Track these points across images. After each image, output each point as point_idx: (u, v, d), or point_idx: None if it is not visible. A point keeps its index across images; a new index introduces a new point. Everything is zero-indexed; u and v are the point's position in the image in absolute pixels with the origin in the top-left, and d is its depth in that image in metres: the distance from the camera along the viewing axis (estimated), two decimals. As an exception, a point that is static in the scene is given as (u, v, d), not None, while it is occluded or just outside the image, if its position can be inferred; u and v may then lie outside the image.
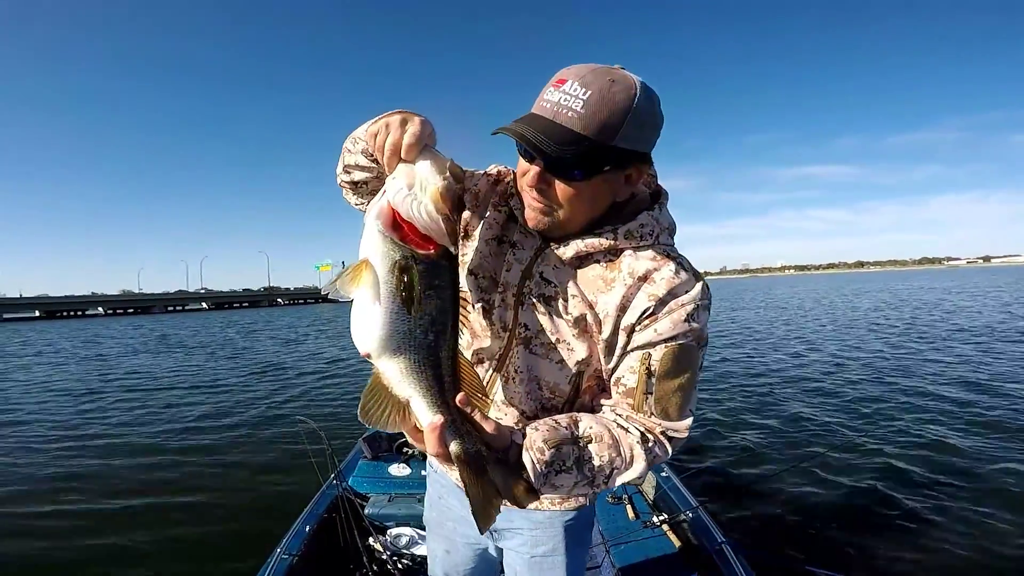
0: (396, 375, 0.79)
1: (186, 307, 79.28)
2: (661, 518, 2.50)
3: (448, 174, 0.78)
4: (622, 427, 0.87)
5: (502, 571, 1.29)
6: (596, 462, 0.83)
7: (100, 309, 69.08)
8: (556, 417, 0.88)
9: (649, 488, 2.86)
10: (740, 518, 3.59)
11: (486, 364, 1.02)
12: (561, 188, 0.84)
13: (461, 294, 0.86)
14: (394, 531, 2.60)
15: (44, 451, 5.87)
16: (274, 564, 2.16)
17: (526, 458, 0.80)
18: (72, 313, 66.20)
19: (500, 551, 1.27)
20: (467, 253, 1.02)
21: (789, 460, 4.58)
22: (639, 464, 0.86)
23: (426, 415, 0.78)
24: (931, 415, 5.95)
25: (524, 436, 0.82)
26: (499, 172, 1.05)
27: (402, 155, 0.78)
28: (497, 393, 1.01)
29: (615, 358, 0.90)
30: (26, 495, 4.50)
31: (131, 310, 70.99)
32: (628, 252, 0.89)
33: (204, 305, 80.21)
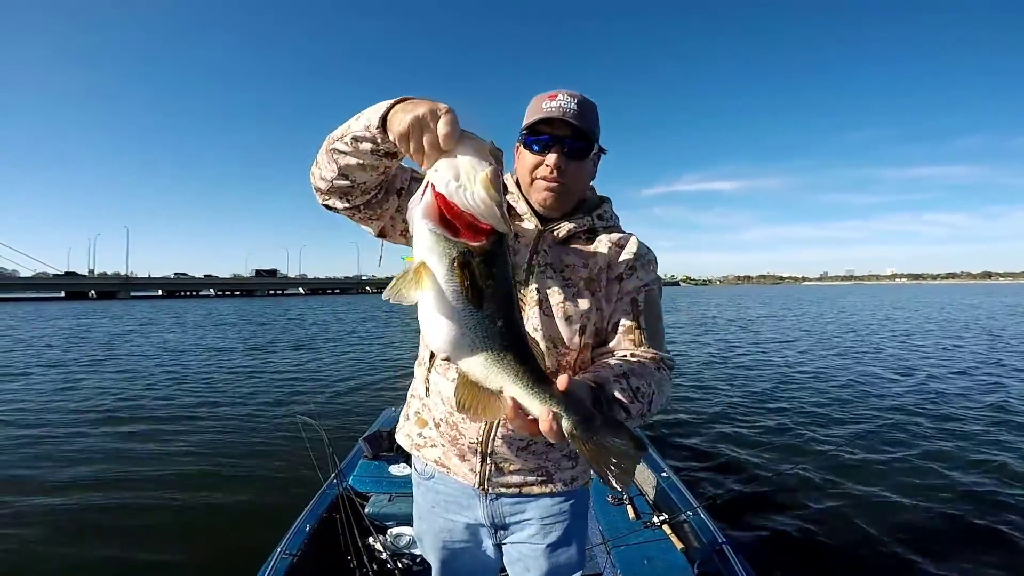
0: (481, 370, 0.80)
1: (285, 291, 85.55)
2: (662, 518, 2.44)
3: (491, 158, 0.78)
4: (637, 360, 1.03)
5: (502, 569, 1.29)
6: (643, 390, 0.95)
7: (212, 291, 76.80)
8: (594, 364, 1.07)
9: (650, 489, 2.78)
10: (741, 519, 3.54)
11: None
12: (573, 167, 1.12)
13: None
14: (394, 531, 2.61)
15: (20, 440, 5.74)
16: (274, 563, 2.20)
17: (616, 392, 0.90)
18: (188, 293, 73.65)
19: (498, 551, 1.27)
20: None
21: (792, 463, 4.52)
22: (665, 387, 1.03)
23: (531, 403, 0.80)
24: (955, 433, 5.62)
25: (592, 380, 0.91)
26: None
27: (442, 147, 0.77)
28: None
29: (613, 304, 1.14)
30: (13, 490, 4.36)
31: (237, 292, 77.54)
32: (601, 230, 1.20)
33: (301, 291, 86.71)
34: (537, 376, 0.80)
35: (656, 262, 1.19)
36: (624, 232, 1.22)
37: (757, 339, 15.15)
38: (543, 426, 0.78)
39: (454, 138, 0.76)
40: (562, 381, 0.79)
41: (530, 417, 0.80)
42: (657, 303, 1.16)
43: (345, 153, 0.92)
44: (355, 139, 0.89)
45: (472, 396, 0.81)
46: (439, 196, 0.76)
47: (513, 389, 0.80)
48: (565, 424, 0.78)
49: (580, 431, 0.78)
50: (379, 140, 0.86)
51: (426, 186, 0.78)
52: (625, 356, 1.06)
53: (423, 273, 0.77)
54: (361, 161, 0.92)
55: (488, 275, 0.78)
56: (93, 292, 63.28)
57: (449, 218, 0.77)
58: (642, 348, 1.09)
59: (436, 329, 0.79)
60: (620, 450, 0.79)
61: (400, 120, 0.79)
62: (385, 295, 0.77)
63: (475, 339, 0.78)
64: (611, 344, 1.12)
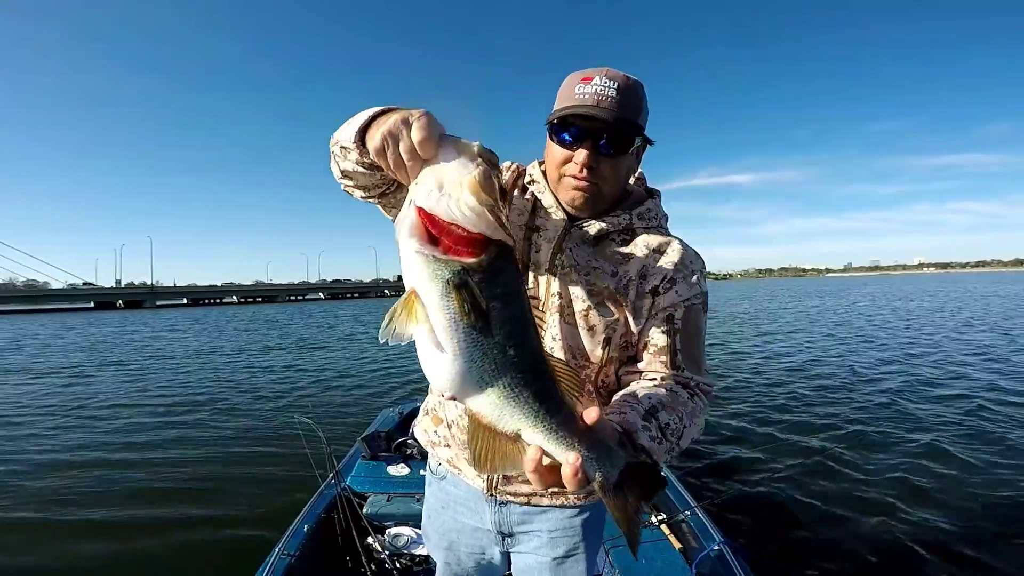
0: (493, 410, 0.68)
1: (306, 296, 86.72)
2: (660, 518, 2.40)
3: (480, 159, 0.67)
4: (668, 389, 0.93)
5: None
6: (673, 425, 0.86)
7: (234, 298, 77.92)
8: (619, 396, 0.93)
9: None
10: (738, 519, 3.51)
11: None
12: (607, 165, 0.98)
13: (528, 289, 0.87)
14: (393, 530, 2.61)
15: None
16: (272, 563, 2.21)
17: (644, 440, 0.80)
18: (212, 300, 74.91)
19: (505, 557, 1.24)
20: None
21: (790, 462, 4.46)
22: (699, 418, 0.94)
23: (554, 448, 0.68)
24: (956, 426, 5.56)
25: (619, 425, 0.81)
26: (517, 167, 1.16)
27: (421, 156, 0.68)
28: None
29: (643, 320, 1.01)
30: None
31: (259, 299, 78.73)
32: (641, 231, 1.07)
33: (321, 295, 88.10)
34: (561, 416, 0.69)
35: (703, 273, 1.05)
36: (668, 236, 1.08)
37: (757, 331, 15.00)
38: (567, 472, 0.67)
39: (432, 143, 0.67)
40: (591, 414, 0.69)
41: (547, 463, 0.69)
42: (698, 320, 1.02)
43: (342, 158, 0.86)
44: (343, 148, 0.83)
45: (488, 446, 0.70)
46: (420, 210, 0.66)
47: (532, 433, 0.68)
48: (597, 477, 0.68)
49: (613, 486, 0.69)
50: (359, 154, 0.81)
51: (408, 202, 0.68)
52: (655, 381, 0.96)
53: (415, 303, 0.66)
54: (355, 168, 0.86)
55: (492, 295, 0.67)
56: (120, 302, 65.04)
57: (436, 234, 0.66)
58: (675, 371, 0.98)
59: (436, 365, 0.67)
60: (637, 510, 0.72)
61: (373, 136, 0.73)
62: (381, 336, 0.66)
63: (483, 373, 0.67)
64: (640, 364, 1.02)
